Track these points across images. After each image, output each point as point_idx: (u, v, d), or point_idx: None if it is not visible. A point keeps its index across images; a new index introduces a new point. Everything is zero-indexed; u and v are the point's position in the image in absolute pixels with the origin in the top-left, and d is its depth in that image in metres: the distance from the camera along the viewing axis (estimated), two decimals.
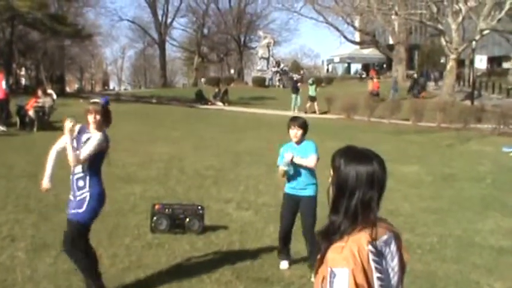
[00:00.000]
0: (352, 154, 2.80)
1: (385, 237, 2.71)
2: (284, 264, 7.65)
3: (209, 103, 38.71)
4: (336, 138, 19.89)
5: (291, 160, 7.18)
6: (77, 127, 6.21)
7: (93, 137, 6.01)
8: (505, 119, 27.36)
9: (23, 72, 39.19)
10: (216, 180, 13.21)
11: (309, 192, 7.41)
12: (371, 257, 2.61)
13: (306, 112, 31.70)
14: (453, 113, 28.49)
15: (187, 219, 8.98)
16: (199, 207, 9.20)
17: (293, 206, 7.52)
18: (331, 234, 2.70)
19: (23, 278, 6.88)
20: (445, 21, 40.13)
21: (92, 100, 6.46)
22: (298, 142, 7.41)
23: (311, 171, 7.39)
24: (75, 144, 6.01)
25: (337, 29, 59.52)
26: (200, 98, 39.56)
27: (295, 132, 7.37)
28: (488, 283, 7.59)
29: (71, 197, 6.14)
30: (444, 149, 20.71)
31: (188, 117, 26.99)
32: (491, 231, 10.14)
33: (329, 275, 2.56)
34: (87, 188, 6.04)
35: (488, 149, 20.61)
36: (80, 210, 5.97)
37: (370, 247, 2.63)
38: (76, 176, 6.09)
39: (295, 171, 7.33)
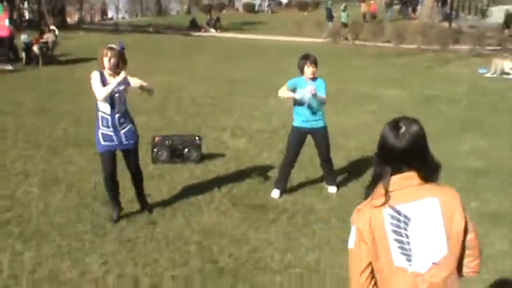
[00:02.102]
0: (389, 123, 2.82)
1: (422, 200, 2.67)
2: (276, 193, 7.64)
3: (202, 30, 38.09)
4: (325, 64, 19.70)
5: (314, 91, 7.12)
6: (96, 73, 6.30)
7: (133, 79, 6.48)
8: (481, 40, 27.10)
9: (26, 6, 38.30)
10: (212, 108, 13.10)
11: (322, 123, 7.52)
12: (387, 220, 2.65)
13: (346, 39, 30.77)
14: (432, 35, 28.09)
15: (186, 150, 8.95)
16: (197, 138, 9.15)
17: (303, 138, 7.58)
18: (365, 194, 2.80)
19: (37, 212, 6.90)
20: None
21: (109, 45, 6.42)
22: (313, 78, 7.35)
23: (321, 105, 7.42)
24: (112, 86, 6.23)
25: None
26: (194, 26, 38.93)
27: (311, 70, 7.32)
28: (465, 204, 7.59)
29: (111, 132, 6.36)
30: (424, 71, 20.52)
31: (184, 46, 26.59)
32: (468, 152, 10.12)
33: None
34: (128, 122, 6.49)
35: (465, 70, 20.43)
36: (136, 139, 6.61)
37: (387, 210, 2.66)
38: (117, 115, 6.33)
39: (309, 106, 7.30)
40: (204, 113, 12.67)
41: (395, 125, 2.75)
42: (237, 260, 5.78)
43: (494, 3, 45.06)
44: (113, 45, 6.40)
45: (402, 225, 2.64)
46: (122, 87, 6.30)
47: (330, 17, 32.76)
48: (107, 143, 6.38)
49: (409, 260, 2.64)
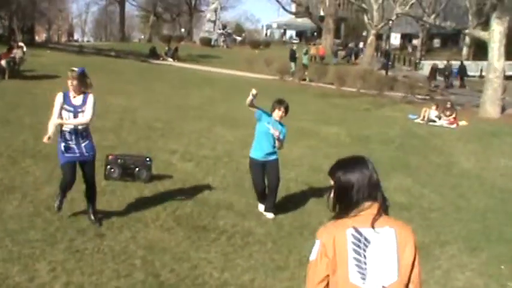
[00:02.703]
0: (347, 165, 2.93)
1: (381, 228, 2.77)
2: (261, 208, 7.99)
3: (161, 58, 38.04)
4: (272, 98, 19.95)
5: (277, 136, 7.63)
6: (60, 95, 6.53)
7: (89, 99, 6.56)
8: (412, 89, 27.91)
9: None
10: (163, 132, 13.06)
11: (275, 156, 7.89)
12: (349, 238, 2.73)
13: (304, 80, 30.95)
14: (371, 81, 28.76)
15: (137, 169, 8.92)
16: (148, 159, 9.12)
17: (262, 168, 7.85)
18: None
19: None
20: (368, 1, 40.53)
21: (71, 68, 6.67)
22: (280, 122, 7.80)
23: (275, 143, 7.79)
24: (70, 108, 6.49)
25: (277, 1, 60.15)
26: (153, 54, 38.84)
27: (280, 114, 7.76)
28: None
29: (73, 145, 6.56)
30: (362, 113, 20.98)
31: (142, 72, 26.47)
32: (395, 189, 10.36)
33: None
34: (88, 136, 6.71)
35: (397, 114, 20.97)
36: (94, 152, 6.83)
37: (350, 230, 2.74)
38: (80, 130, 6.55)
39: (268, 141, 7.73)
40: (156, 136, 12.62)
41: (362, 160, 2.90)
42: (177, 276, 5.78)
43: (426, 57, 46.71)
44: (75, 68, 6.60)
45: (362, 246, 2.73)
46: (82, 108, 6.47)
47: (293, 58, 32.72)
48: (69, 154, 6.54)
49: (363, 279, 2.71)
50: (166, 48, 40.84)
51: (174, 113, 15.81)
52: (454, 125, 19.76)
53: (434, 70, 35.94)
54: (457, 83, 35.66)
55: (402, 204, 9.45)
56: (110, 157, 8.89)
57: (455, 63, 37.71)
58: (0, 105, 13.60)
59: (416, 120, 19.97)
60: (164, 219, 7.38)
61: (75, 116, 6.46)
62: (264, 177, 7.89)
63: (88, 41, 79.32)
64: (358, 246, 2.73)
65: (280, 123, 7.80)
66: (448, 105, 20.67)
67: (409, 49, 56.72)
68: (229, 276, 5.91)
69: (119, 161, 8.87)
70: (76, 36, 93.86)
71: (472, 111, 23.08)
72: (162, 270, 5.87)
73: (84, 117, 6.49)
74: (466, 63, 39.49)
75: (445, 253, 7.38)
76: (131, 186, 8.61)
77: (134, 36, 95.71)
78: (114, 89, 18.46)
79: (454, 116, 20.23)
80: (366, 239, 2.74)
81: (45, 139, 6.31)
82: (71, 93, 6.49)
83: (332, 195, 2.89)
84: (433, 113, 20.11)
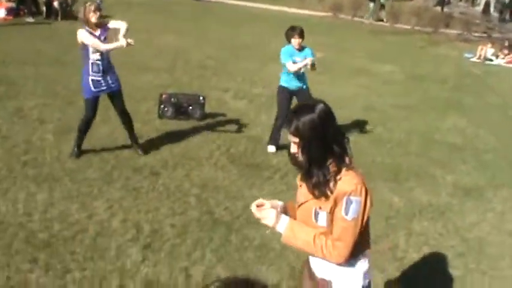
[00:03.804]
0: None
1: None
2: (272, 149, 7.84)
3: None
4: (327, 35, 19.65)
5: (310, 63, 7.47)
6: (82, 30, 6.56)
7: (112, 23, 6.84)
8: (469, 26, 26.88)
9: None
10: (216, 71, 12.99)
11: (306, 84, 7.79)
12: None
13: (381, 20, 28.38)
14: (426, 18, 27.83)
15: (190, 108, 8.92)
16: (201, 97, 9.10)
17: (291, 97, 7.79)
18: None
19: (51, 157, 6.91)
20: None
21: (93, 2, 6.80)
22: (300, 49, 7.59)
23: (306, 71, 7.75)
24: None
25: None
26: None
27: (298, 41, 7.54)
28: (442, 176, 7.69)
29: (100, 77, 6.69)
30: (416, 51, 20.37)
31: (193, 10, 26.19)
32: (449, 129, 10.18)
33: (345, 202, 2.56)
34: (113, 67, 6.89)
35: (453, 53, 20.29)
36: (120, 83, 6.96)
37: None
38: (106, 60, 6.70)
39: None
40: (209, 74, 12.57)
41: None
42: (231, 214, 5.83)
43: None
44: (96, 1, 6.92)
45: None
46: (105, 35, 6.66)
47: None
48: (96, 89, 6.72)
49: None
50: None
51: (226, 52, 15.69)
52: None
53: (487, 5, 34.80)
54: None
55: (456, 144, 9.27)
56: (164, 96, 8.91)
57: None
58: (54, 46, 13.71)
59: (472, 59, 19.25)
60: (218, 157, 7.42)
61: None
62: (289, 106, 7.63)
63: None
64: None
65: (303, 48, 7.66)
66: (506, 44, 19.85)
67: None
68: None
69: (173, 99, 8.88)
70: None
71: None
72: (216, 208, 5.92)
73: (121, 41, 6.64)
74: None
75: (498, 196, 7.21)
76: (185, 124, 8.63)
77: None
78: (167, 29, 18.42)
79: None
80: None
81: (128, 42, 6.61)
82: (88, 28, 6.55)
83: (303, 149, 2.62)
84: (489, 51, 19.37)
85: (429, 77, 15.16)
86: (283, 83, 7.78)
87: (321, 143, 2.57)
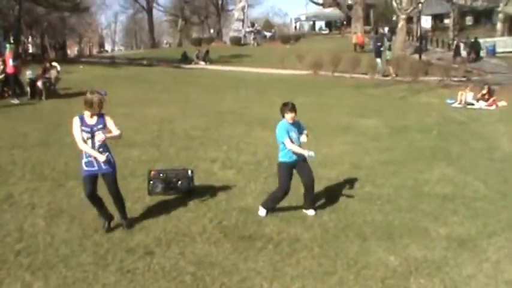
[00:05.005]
0: None
1: None
2: (263, 212, 8.12)
3: (193, 62, 38.37)
4: (306, 93, 19.95)
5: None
6: (77, 119, 7.05)
7: (109, 120, 7.11)
8: (447, 72, 27.50)
9: (30, 40, 38.81)
10: (202, 140, 13.15)
11: (303, 156, 7.98)
12: None
13: (387, 75, 28.89)
14: (405, 67, 28.46)
15: (179, 182, 9.03)
16: (189, 171, 9.22)
17: (292, 170, 8.09)
18: None
19: (44, 244, 6.95)
20: None
21: (96, 91, 7.16)
22: (293, 123, 8.00)
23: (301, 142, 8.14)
24: (87, 129, 7.03)
25: None
26: (185, 59, 39.22)
27: (291, 116, 7.95)
28: (435, 229, 7.76)
29: (91, 159, 7.07)
30: (398, 102, 20.77)
31: (176, 78, 26.69)
32: (437, 180, 10.30)
33: None
34: (106, 151, 7.16)
35: (434, 100, 20.72)
36: (113, 165, 7.27)
37: None
38: (97, 144, 7.05)
39: (295, 142, 7.98)
40: (196, 145, 12.71)
41: None
42: None
43: (459, 36, 45.85)
44: (101, 92, 7.16)
45: None
46: (101, 126, 7.02)
47: (378, 53, 30.16)
48: (89, 168, 7.10)
49: None
50: (198, 51, 41.17)
51: (211, 119, 15.93)
52: (493, 107, 19.43)
53: (457, 47, 37.84)
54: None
55: (446, 195, 9.37)
56: (152, 173, 9.04)
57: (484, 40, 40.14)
58: (40, 126, 13.91)
59: (454, 105, 19.68)
60: (211, 231, 7.48)
61: (93, 136, 6.98)
62: (291, 181, 8.06)
63: (120, 50, 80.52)
64: None
65: (296, 123, 8.07)
66: (485, 88, 20.30)
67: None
68: (279, 286, 5.96)
69: (161, 175, 9.01)
70: (107, 46, 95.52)
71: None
72: (213, 285, 5.95)
73: (118, 131, 7.16)
74: (501, 39, 41.06)
75: (492, 244, 7.27)
76: (175, 199, 8.73)
77: (164, 39, 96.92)
78: (149, 100, 18.72)
79: (493, 98, 19.87)
80: None
81: (102, 159, 7.00)
82: (86, 115, 7.01)
83: None
84: (469, 95, 19.82)
85: (413, 127, 15.45)
86: (282, 159, 8.06)
87: None
